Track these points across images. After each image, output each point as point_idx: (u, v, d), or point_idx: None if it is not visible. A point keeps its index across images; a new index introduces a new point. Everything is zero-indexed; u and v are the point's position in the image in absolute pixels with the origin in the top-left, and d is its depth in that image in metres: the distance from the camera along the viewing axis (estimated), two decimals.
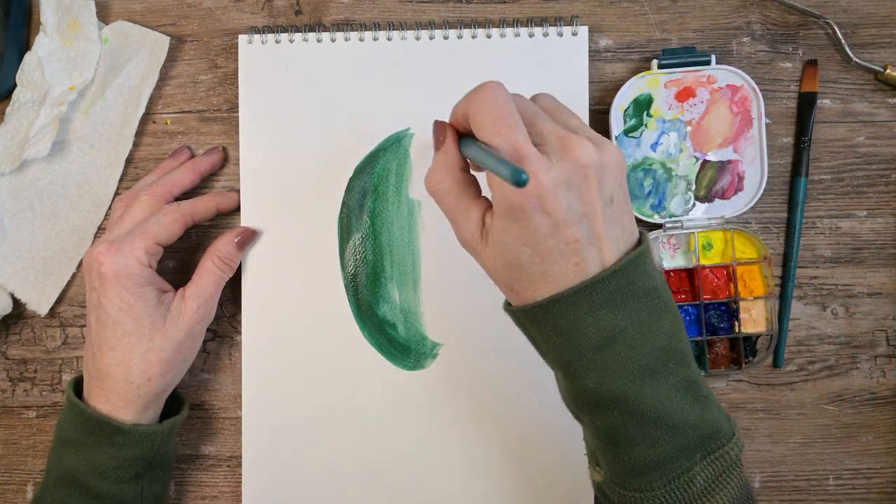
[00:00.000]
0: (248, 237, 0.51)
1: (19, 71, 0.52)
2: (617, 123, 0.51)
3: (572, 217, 0.35)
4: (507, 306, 0.39)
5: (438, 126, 0.40)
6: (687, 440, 0.36)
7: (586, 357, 0.36)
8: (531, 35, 0.51)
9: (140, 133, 0.53)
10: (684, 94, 0.51)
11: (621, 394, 0.35)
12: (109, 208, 0.53)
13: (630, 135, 0.52)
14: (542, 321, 0.37)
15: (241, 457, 0.52)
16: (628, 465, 0.36)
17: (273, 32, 0.52)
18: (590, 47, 0.52)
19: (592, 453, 0.40)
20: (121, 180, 0.53)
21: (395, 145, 0.52)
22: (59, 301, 0.53)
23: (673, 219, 0.52)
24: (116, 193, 0.53)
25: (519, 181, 0.31)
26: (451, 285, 0.52)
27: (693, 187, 0.52)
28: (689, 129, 0.52)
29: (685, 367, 0.37)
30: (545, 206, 0.34)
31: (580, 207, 0.35)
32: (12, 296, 0.53)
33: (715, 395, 0.38)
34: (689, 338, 0.51)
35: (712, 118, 0.51)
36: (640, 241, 0.38)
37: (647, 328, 0.36)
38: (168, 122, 0.54)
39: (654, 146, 0.52)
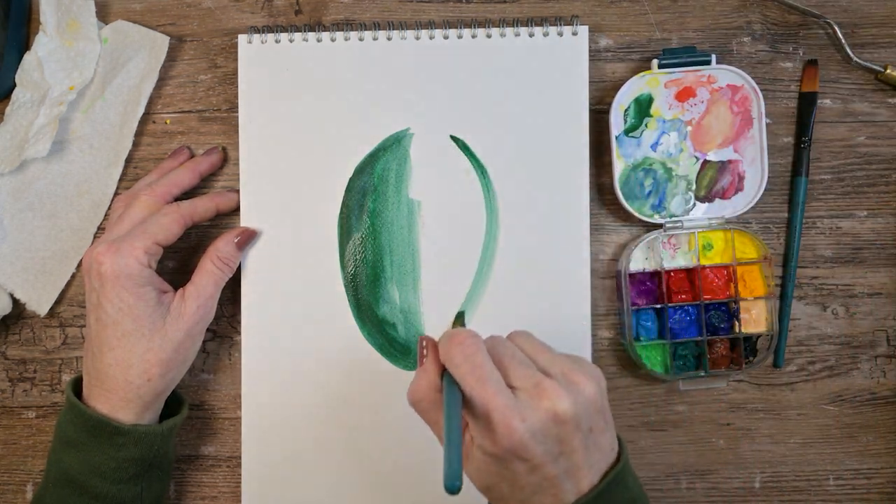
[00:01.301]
0: (248, 237, 0.51)
1: (19, 71, 0.52)
2: (617, 123, 0.51)
3: (549, 458, 0.35)
4: None
5: (422, 341, 0.41)
6: None
7: None
8: (531, 35, 0.51)
9: (140, 133, 0.53)
10: (684, 94, 0.51)
11: None
12: (109, 208, 0.53)
13: (630, 134, 0.52)
14: None
15: (241, 457, 0.52)
16: None
17: (273, 32, 0.52)
18: (590, 47, 0.52)
19: None
20: (120, 180, 0.53)
21: (395, 145, 0.52)
22: (58, 301, 0.53)
23: (673, 219, 0.52)
24: (116, 193, 0.53)
25: (447, 488, 0.32)
26: (451, 285, 0.52)
27: (693, 187, 0.52)
28: (689, 128, 0.52)
29: None
30: (521, 455, 0.35)
31: (557, 448, 0.36)
32: (12, 296, 0.53)
33: None
34: (690, 338, 0.51)
35: (712, 118, 0.51)
36: (619, 456, 0.38)
37: None
38: (168, 121, 0.54)
39: (654, 146, 0.52)
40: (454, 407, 0.35)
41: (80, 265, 0.53)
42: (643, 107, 0.51)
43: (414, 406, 0.40)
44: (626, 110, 0.51)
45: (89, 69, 0.52)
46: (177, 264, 0.53)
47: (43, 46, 0.52)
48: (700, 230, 0.52)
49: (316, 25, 0.53)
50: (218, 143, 0.53)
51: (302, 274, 0.52)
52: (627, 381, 0.53)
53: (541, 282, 0.51)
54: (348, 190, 0.52)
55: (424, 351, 0.40)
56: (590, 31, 0.52)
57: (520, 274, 0.51)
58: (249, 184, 0.52)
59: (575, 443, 0.36)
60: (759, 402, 0.53)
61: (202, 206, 0.50)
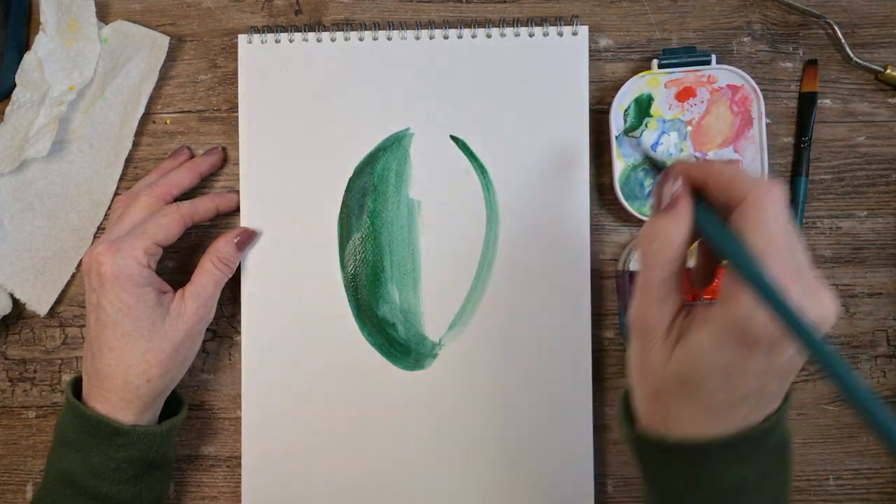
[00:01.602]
0: (248, 238, 0.51)
1: (19, 71, 0.52)
2: (617, 123, 0.51)
3: (781, 372, 0.32)
4: (629, 427, 0.35)
5: (669, 179, 0.33)
6: None
7: (709, 502, 0.34)
8: (531, 35, 0.51)
9: (140, 133, 0.53)
10: (684, 94, 0.51)
11: None
12: (109, 208, 0.53)
13: (630, 134, 0.52)
14: (673, 461, 0.34)
15: (240, 457, 0.52)
16: None
17: (273, 32, 0.52)
18: (590, 47, 0.52)
19: None
20: (120, 180, 0.53)
21: (395, 145, 0.52)
22: (58, 301, 0.53)
23: None
24: (116, 193, 0.53)
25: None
26: (451, 285, 0.52)
27: None
28: (689, 128, 0.52)
29: None
30: (774, 349, 0.30)
31: (792, 367, 0.32)
32: (12, 296, 0.53)
33: None
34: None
35: (712, 118, 0.51)
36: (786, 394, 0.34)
37: (773, 480, 0.34)
38: (168, 121, 0.54)
39: (654, 146, 0.52)
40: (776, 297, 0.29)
41: (79, 265, 0.53)
42: (643, 107, 0.51)
43: (647, 252, 0.32)
44: (625, 110, 0.51)
45: (89, 69, 0.52)
46: (177, 264, 0.53)
47: (43, 46, 0.52)
48: None
49: (316, 25, 0.53)
50: (218, 143, 0.53)
51: (302, 274, 0.52)
52: (627, 381, 0.53)
53: (541, 282, 0.51)
54: (348, 190, 0.52)
55: (676, 193, 0.32)
56: (590, 31, 0.52)
57: (520, 274, 0.51)
58: (249, 184, 0.52)
59: (797, 367, 0.32)
60: None
61: (202, 207, 0.50)
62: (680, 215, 0.32)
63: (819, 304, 0.30)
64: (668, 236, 0.32)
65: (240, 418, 0.52)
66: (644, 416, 0.34)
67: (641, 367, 0.33)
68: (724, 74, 0.51)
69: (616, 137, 0.51)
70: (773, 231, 0.30)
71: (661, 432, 0.33)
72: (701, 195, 0.33)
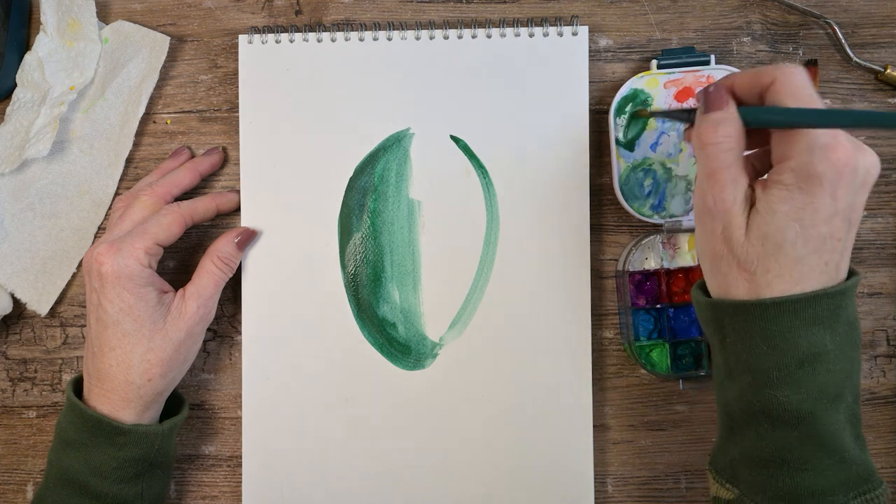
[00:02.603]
0: (248, 237, 0.51)
1: (19, 71, 0.52)
2: (616, 124, 0.51)
3: (846, 213, 0.35)
4: (705, 297, 0.38)
5: (718, 87, 0.38)
6: (850, 476, 0.36)
7: (787, 369, 0.35)
8: (531, 35, 0.51)
9: (140, 133, 0.53)
10: (684, 94, 0.51)
11: (809, 414, 0.35)
12: (109, 208, 0.53)
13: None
14: (751, 322, 0.36)
15: (241, 457, 0.52)
16: (787, 488, 0.36)
17: (273, 32, 0.52)
18: (590, 47, 0.52)
19: (730, 468, 0.39)
20: (121, 180, 0.53)
21: (395, 145, 0.52)
22: (59, 301, 0.53)
23: (673, 219, 0.52)
24: (117, 193, 0.53)
25: None
26: (451, 285, 0.52)
27: (693, 187, 0.52)
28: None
29: (857, 404, 0.37)
30: (837, 189, 0.34)
31: (854, 209, 0.36)
32: (12, 296, 0.53)
33: None
34: (690, 338, 0.51)
35: None
36: (851, 269, 0.37)
37: (846, 356, 0.36)
38: (168, 122, 0.54)
39: (653, 146, 0.52)
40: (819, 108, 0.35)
41: (80, 265, 0.53)
42: (637, 105, 0.51)
43: (713, 145, 0.37)
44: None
45: (90, 69, 0.52)
46: (177, 264, 0.53)
47: (43, 46, 0.52)
48: None
49: (316, 25, 0.53)
50: (218, 143, 0.53)
51: (302, 274, 0.52)
52: (627, 381, 0.53)
53: (541, 282, 0.51)
54: (348, 190, 0.52)
55: (722, 96, 0.37)
56: (590, 31, 0.52)
57: (520, 274, 0.51)
58: (249, 184, 0.52)
59: (857, 216, 0.36)
60: None
61: (203, 207, 0.50)
62: (730, 109, 0.37)
63: (865, 152, 0.35)
64: (734, 121, 0.37)
65: (240, 418, 0.52)
66: (725, 291, 0.37)
67: (724, 243, 0.36)
68: (723, 74, 0.51)
69: (616, 138, 0.51)
70: (805, 95, 0.35)
71: (742, 297, 0.36)
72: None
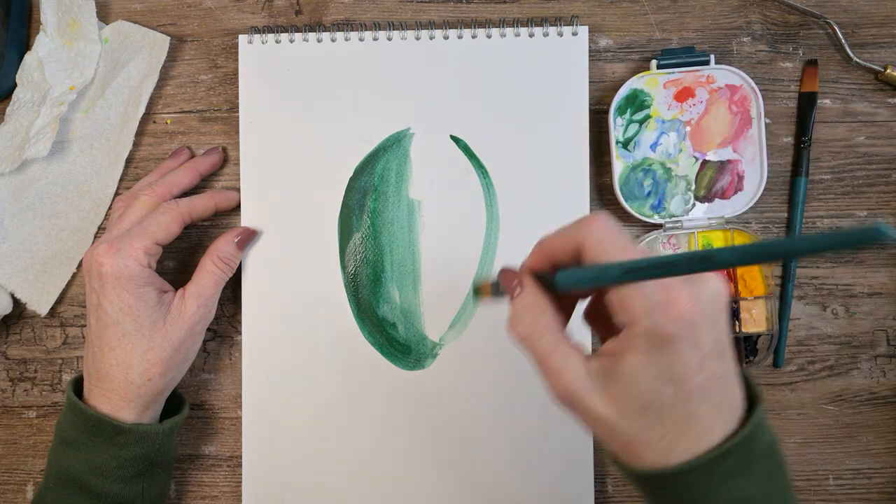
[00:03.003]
0: (248, 237, 0.51)
1: (19, 71, 0.52)
2: (616, 124, 0.51)
3: (715, 349, 0.31)
4: (623, 467, 0.35)
5: (506, 273, 0.36)
6: None
7: None
8: (531, 35, 0.51)
9: (140, 133, 0.53)
10: (684, 94, 0.51)
11: None
12: (109, 208, 0.53)
13: (627, 147, 0.52)
14: (667, 490, 0.32)
15: (241, 457, 0.52)
16: None
17: (273, 32, 0.52)
18: (590, 47, 0.52)
19: None
20: (121, 180, 0.53)
21: (395, 145, 0.52)
22: (59, 301, 0.53)
23: (673, 219, 0.52)
24: (117, 193, 0.53)
25: (879, 234, 0.24)
26: (451, 285, 0.52)
27: (693, 187, 0.52)
28: (688, 129, 0.52)
29: None
30: (696, 337, 0.31)
31: (722, 341, 0.32)
32: (12, 296, 0.53)
33: None
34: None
35: (711, 118, 0.51)
36: (750, 389, 0.34)
37: (775, 488, 0.33)
38: (168, 122, 0.54)
39: (653, 146, 0.52)
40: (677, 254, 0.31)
41: (80, 265, 0.53)
42: (636, 105, 0.51)
43: (525, 338, 0.34)
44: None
45: (90, 69, 0.52)
46: (177, 264, 0.53)
47: (43, 46, 0.52)
48: (700, 230, 0.52)
49: (316, 25, 0.53)
50: (218, 143, 0.53)
51: (302, 274, 0.52)
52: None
53: None
54: (348, 190, 0.52)
55: (515, 281, 0.35)
56: (590, 31, 0.52)
57: None
58: (249, 184, 0.52)
59: (727, 341, 0.32)
60: None
61: (201, 205, 0.50)
62: (528, 291, 0.35)
63: (704, 287, 0.31)
64: (532, 309, 0.34)
65: (240, 418, 0.52)
66: (629, 458, 0.34)
67: (599, 425, 0.33)
68: (722, 74, 0.51)
69: (616, 141, 0.51)
70: (617, 249, 0.32)
71: (648, 468, 0.33)
72: (557, 267, 0.35)
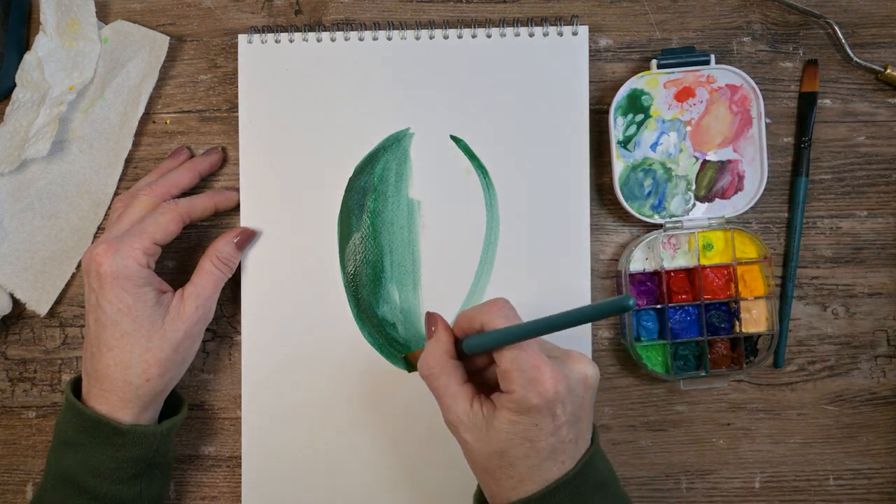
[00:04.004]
0: (248, 237, 0.51)
1: (19, 71, 0.52)
2: (617, 124, 0.51)
3: (571, 420, 0.39)
4: (480, 498, 0.43)
5: (430, 316, 0.44)
6: None
7: None
8: (531, 35, 0.51)
9: (140, 133, 0.53)
10: (684, 94, 0.51)
11: None
12: (109, 208, 0.53)
13: (627, 147, 0.52)
14: None
15: (241, 457, 0.52)
16: None
17: (273, 32, 0.52)
18: (590, 47, 0.52)
19: None
20: (120, 180, 0.53)
21: (395, 145, 0.52)
22: (58, 301, 0.53)
23: (673, 219, 0.52)
24: (116, 193, 0.53)
25: (626, 306, 0.34)
26: (451, 285, 0.52)
27: (693, 187, 0.52)
28: (688, 128, 0.52)
29: None
30: (554, 410, 0.38)
31: (578, 413, 0.39)
32: (12, 296, 0.53)
33: None
34: (690, 338, 0.51)
35: (712, 118, 0.51)
36: (592, 438, 0.41)
37: None
38: (168, 121, 0.54)
39: (653, 146, 0.52)
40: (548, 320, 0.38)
41: (79, 265, 0.53)
42: (636, 105, 0.51)
43: (425, 377, 0.42)
44: (624, 110, 0.51)
45: (89, 69, 0.52)
46: (177, 264, 0.53)
47: (43, 46, 0.52)
48: (700, 230, 0.52)
49: (316, 25, 0.53)
50: (218, 143, 0.53)
51: (302, 274, 0.52)
52: (627, 381, 0.53)
53: (541, 282, 0.51)
54: (348, 190, 0.52)
55: (433, 326, 0.43)
56: (590, 31, 0.52)
57: (520, 274, 0.51)
58: (249, 184, 0.52)
59: (586, 411, 0.40)
60: (760, 402, 0.53)
61: (200, 205, 0.50)
62: (438, 336, 0.42)
63: (574, 368, 0.39)
64: (437, 352, 0.42)
65: (240, 418, 0.52)
66: (484, 486, 0.41)
67: (466, 448, 0.41)
68: (723, 74, 0.51)
69: (616, 141, 0.51)
70: (509, 318, 0.40)
71: (497, 501, 0.40)
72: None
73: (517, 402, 0.38)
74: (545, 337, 0.41)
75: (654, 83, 0.51)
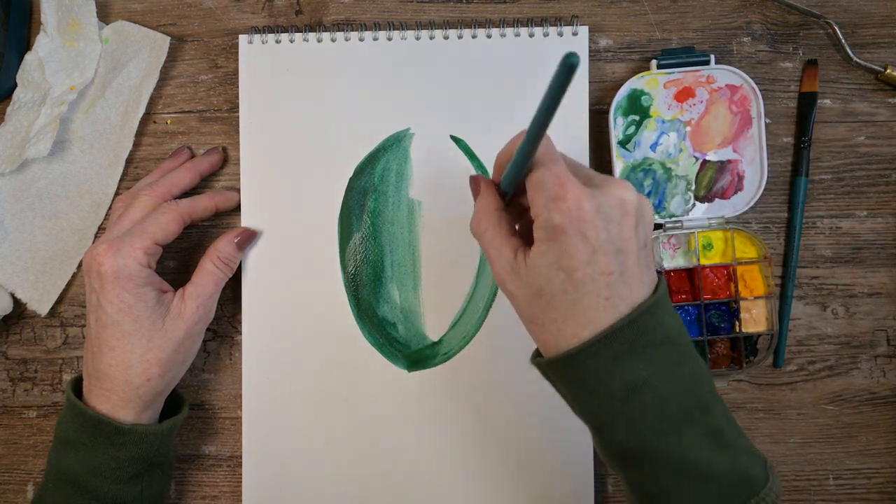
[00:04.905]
0: (248, 237, 0.51)
1: (20, 71, 0.52)
2: (617, 124, 0.51)
3: (609, 248, 0.35)
4: (535, 358, 0.39)
5: (472, 179, 0.42)
6: (720, 490, 0.35)
7: (612, 409, 0.35)
8: (531, 35, 0.51)
9: (140, 133, 0.53)
10: (684, 94, 0.51)
11: (650, 446, 0.35)
12: (110, 208, 0.53)
13: (626, 146, 0.52)
14: (566, 374, 0.36)
15: (241, 457, 0.52)
16: None
17: (273, 32, 0.52)
18: (590, 47, 0.52)
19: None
20: (121, 180, 0.53)
21: (395, 145, 0.52)
22: (59, 301, 0.54)
23: (673, 219, 0.52)
24: (117, 193, 0.53)
25: (568, 62, 0.30)
26: (451, 285, 0.52)
27: (693, 187, 0.52)
28: (688, 129, 0.52)
29: (709, 415, 0.36)
30: (584, 231, 0.34)
31: (617, 241, 0.35)
32: (13, 296, 0.53)
33: (746, 440, 0.37)
34: (690, 338, 0.51)
35: (712, 118, 0.51)
36: (656, 288, 0.37)
37: (668, 377, 0.35)
38: (168, 122, 0.54)
39: (653, 146, 0.52)
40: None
41: (80, 265, 0.53)
42: (636, 105, 0.51)
43: (476, 234, 0.40)
44: (624, 110, 0.51)
45: (90, 69, 0.52)
46: (177, 264, 0.53)
47: (44, 46, 0.52)
48: (700, 230, 0.52)
49: (316, 25, 0.53)
50: (218, 143, 0.53)
51: (302, 274, 0.52)
52: None
53: None
54: (348, 190, 0.52)
55: (478, 186, 0.41)
56: (590, 31, 0.52)
57: None
58: (249, 184, 0.52)
59: (632, 244, 0.35)
60: (759, 402, 0.53)
61: (201, 205, 0.50)
62: (484, 193, 0.40)
63: (602, 189, 0.36)
64: (483, 208, 0.40)
65: (240, 418, 0.52)
66: (535, 339, 0.38)
67: (517, 305, 0.38)
68: (722, 74, 0.51)
69: (616, 141, 0.51)
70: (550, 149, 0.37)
71: (550, 355, 0.37)
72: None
73: (543, 226, 0.35)
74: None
75: (654, 83, 0.51)
